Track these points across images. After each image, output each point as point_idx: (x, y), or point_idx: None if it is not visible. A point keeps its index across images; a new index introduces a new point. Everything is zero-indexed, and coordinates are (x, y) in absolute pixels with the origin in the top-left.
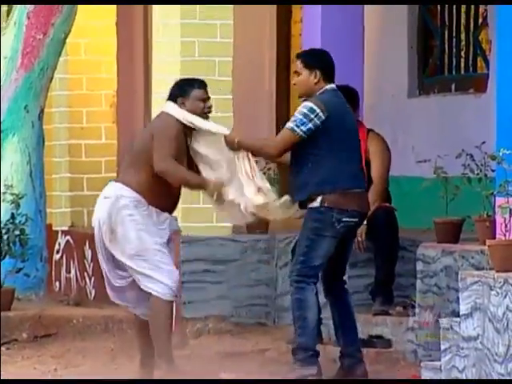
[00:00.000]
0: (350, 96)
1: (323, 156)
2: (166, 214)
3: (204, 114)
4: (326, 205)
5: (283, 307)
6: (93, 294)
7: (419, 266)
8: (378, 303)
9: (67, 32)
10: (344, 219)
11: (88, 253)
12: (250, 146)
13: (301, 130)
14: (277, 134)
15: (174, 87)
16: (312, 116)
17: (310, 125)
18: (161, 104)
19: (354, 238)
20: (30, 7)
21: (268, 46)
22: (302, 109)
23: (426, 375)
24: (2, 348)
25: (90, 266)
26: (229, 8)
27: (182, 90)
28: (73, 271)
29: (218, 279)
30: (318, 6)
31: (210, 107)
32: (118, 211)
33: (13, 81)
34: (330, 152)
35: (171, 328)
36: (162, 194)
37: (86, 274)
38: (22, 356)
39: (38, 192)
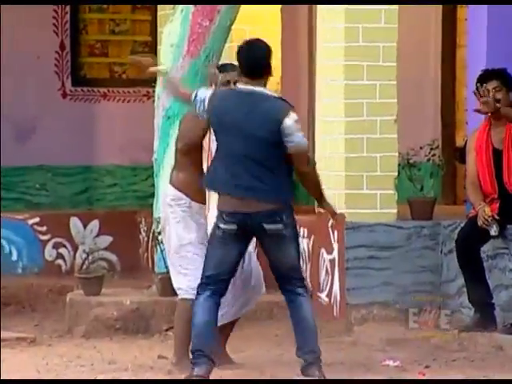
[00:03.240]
0: (504, 78)
1: None
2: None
3: None
4: None
5: (448, 294)
6: None
7: None
8: None
9: (233, 19)
10: None
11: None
12: None
13: None
14: (442, 116)
15: None
16: None
17: None
18: (325, 90)
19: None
20: None
21: (433, 32)
22: None
23: None
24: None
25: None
26: None
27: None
28: None
29: (382, 266)
30: None
31: None
32: (165, 210)
33: (179, 67)
34: None
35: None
36: (202, 189)
37: None
38: None
39: None
